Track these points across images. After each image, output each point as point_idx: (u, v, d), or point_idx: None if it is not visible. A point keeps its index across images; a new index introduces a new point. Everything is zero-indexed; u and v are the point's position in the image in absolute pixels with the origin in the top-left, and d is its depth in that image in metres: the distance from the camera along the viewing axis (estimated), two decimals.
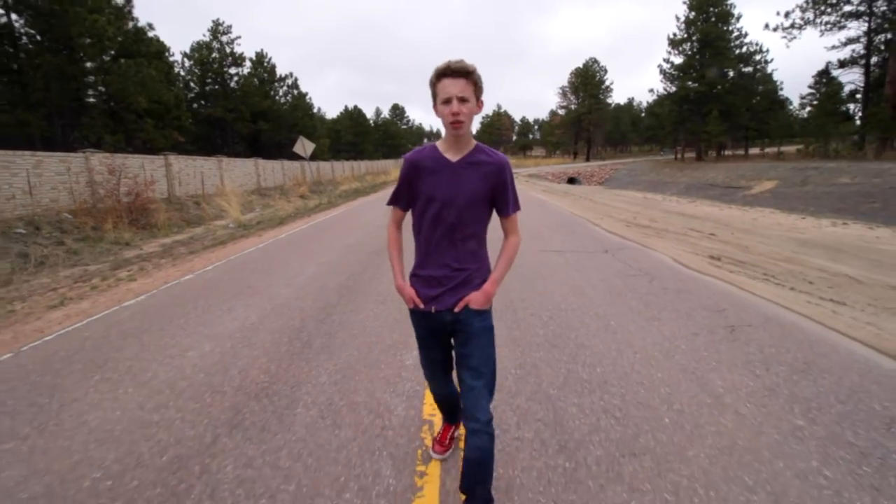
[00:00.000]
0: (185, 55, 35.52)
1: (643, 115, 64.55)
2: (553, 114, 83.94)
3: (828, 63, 33.90)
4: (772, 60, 41.85)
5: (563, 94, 73.16)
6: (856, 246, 8.54)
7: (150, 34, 25.34)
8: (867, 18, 27.39)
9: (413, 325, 1.85)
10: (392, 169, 49.78)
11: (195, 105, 34.89)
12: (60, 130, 18.74)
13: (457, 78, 1.53)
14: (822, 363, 3.12)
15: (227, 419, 2.52)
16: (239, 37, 36.96)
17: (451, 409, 2.12)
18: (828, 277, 5.83)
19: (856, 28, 28.08)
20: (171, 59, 30.11)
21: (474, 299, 1.68)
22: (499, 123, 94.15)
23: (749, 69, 39.20)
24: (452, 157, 1.65)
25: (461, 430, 2.20)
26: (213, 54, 36.02)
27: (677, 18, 39.32)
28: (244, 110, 35.40)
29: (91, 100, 20.91)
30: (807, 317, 4.13)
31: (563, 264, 6.25)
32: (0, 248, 7.47)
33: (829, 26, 28.71)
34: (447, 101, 1.55)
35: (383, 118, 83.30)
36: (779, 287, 5.22)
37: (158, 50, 26.49)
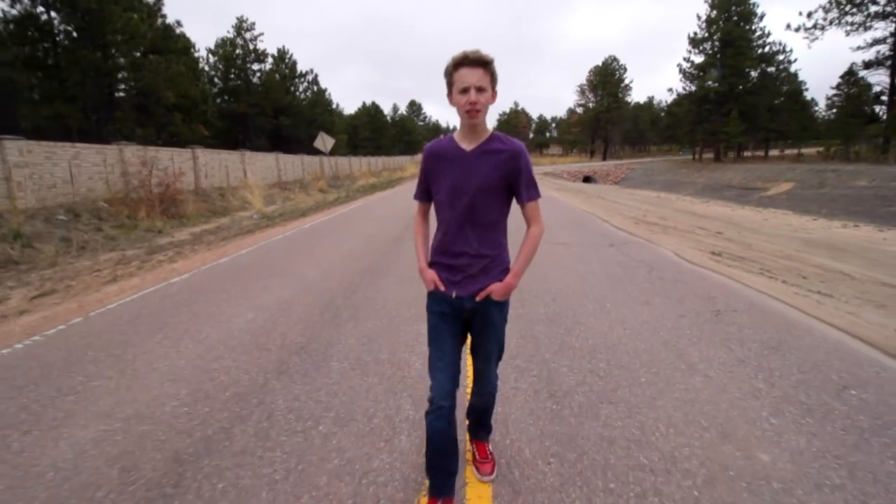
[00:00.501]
0: (209, 51, 36.57)
1: (663, 114, 63.91)
2: (571, 112, 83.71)
3: (852, 64, 33.40)
4: (795, 60, 41.17)
5: (582, 91, 73.06)
6: (860, 246, 8.71)
7: (178, 31, 26.28)
8: (894, 19, 26.89)
9: (427, 312, 1.82)
10: (408, 165, 50.27)
11: (219, 100, 35.84)
12: (95, 123, 19.71)
13: (474, 67, 1.56)
14: (793, 342, 3.49)
15: (274, 368, 3.03)
16: (262, 33, 37.65)
17: (448, 453, 1.71)
18: (822, 273, 6.11)
19: (882, 29, 27.63)
20: (197, 55, 31.09)
21: (496, 290, 1.72)
22: (515, 121, 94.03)
23: (772, 69, 38.68)
24: (467, 146, 1.69)
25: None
26: (237, 51, 36.96)
27: (698, 17, 39.02)
28: (266, 105, 36.23)
29: (122, 94, 21.88)
30: (791, 306, 4.46)
31: (569, 256, 6.65)
32: (45, 233, 8.21)
33: (854, 26, 28.27)
34: (465, 91, 1.57)
35: (400, 114, 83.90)
36: (772, 280, 5.54)
37: (185, 46, 27.41)
